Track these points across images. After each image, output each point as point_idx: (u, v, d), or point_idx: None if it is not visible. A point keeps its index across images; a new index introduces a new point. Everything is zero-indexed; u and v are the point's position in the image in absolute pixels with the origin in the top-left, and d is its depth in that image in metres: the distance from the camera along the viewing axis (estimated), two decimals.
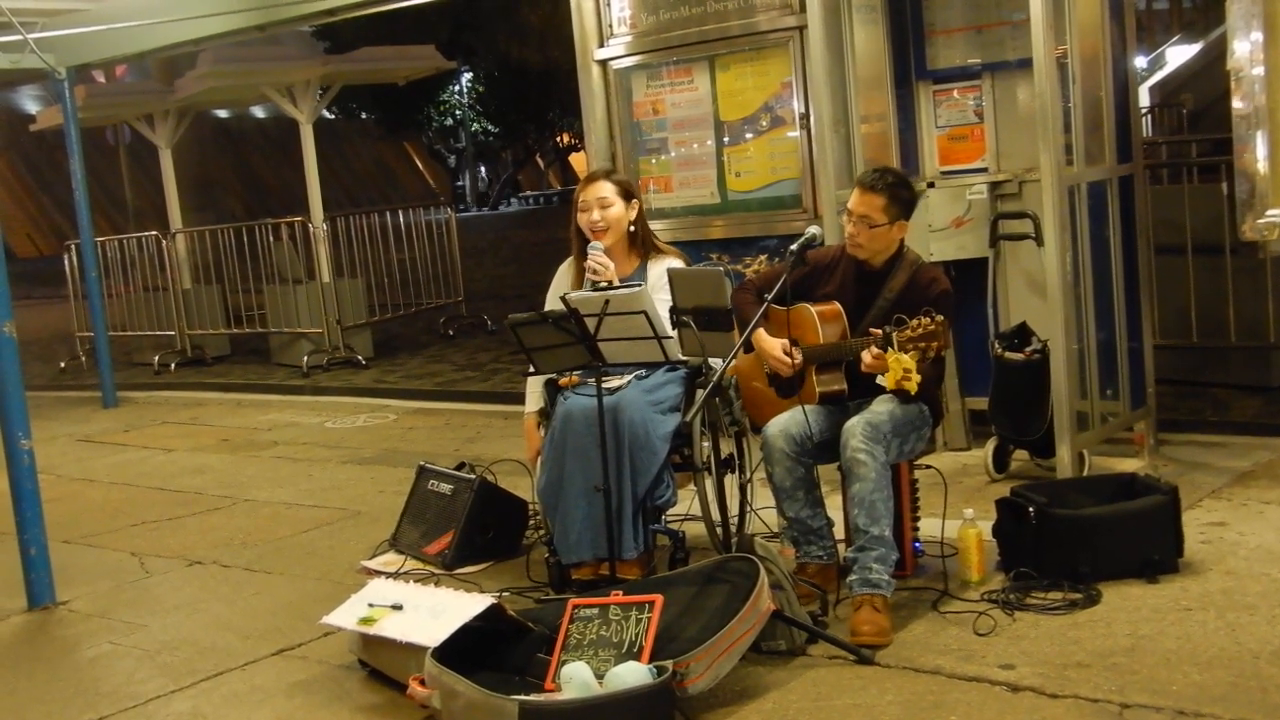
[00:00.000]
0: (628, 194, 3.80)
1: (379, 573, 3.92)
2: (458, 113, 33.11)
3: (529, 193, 37.18)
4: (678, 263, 3.78)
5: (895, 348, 3.09)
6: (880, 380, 3.11)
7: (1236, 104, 3.58)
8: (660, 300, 3.48)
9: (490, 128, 32.77)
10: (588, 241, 3.75)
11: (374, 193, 33.15)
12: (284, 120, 9.49)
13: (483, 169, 35.05)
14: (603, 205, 3.75)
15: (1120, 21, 4.56)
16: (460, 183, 35.39)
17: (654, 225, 5.50)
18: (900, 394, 3.17)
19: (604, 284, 3.64)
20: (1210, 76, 10.96)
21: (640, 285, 3.30)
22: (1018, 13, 4.58)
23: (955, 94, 4.91)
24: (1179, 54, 14.09)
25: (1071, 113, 4.27)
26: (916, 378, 3.02)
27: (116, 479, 6.02)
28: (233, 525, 4.93)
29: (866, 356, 3.21)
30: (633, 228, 3.79)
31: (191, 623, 3.77)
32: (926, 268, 3.50)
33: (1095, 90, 4.41)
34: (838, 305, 3.49)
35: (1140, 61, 12.93)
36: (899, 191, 3.44)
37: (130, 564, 4.48)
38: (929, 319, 3.08)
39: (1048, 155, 4.11)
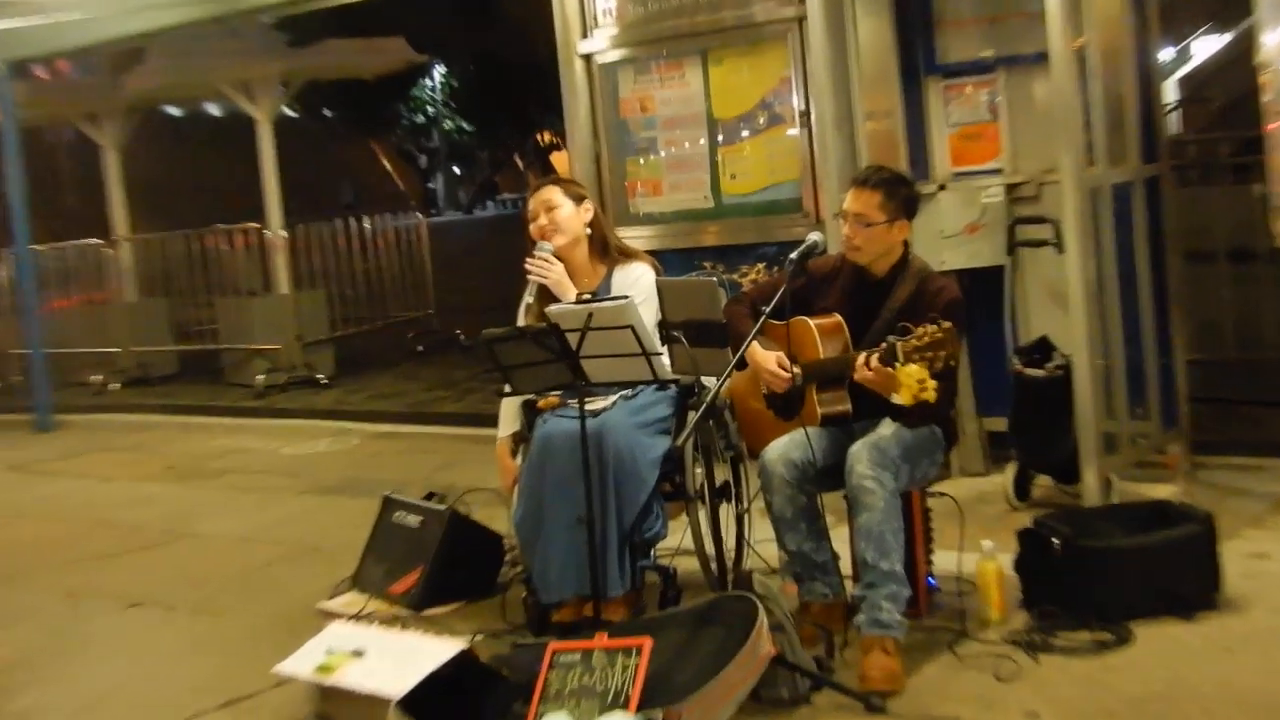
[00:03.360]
0: (577, 197, 3.83)
1: (339, 615, 3.88)
2: (429, 110, 33.16)
3: (507, 196, 37.21)
4: (647, 268, 3.80)
5: (901, 360, 3.07)
6: (895, 399, 3.08)
7: (1267, 100, 3.58)
8: (639, 307, 3.46)
9: (465, 126, 32.81)
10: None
11: (338, 197, 33.06)
12: (242, 119, 9.47)
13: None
14: (549, 208, 3.78)
15: (1143, 11, 4.57)
16: (432, 185, 35.43)
17: (642, 232, 5.53)
18: (918, 410, 3.15)
19: (586, 295, 3.62)
20: (1241, 69, 11.02)
21: (628, 298, 3.27)
22: (1033, 3, 4.58)
23: (968, 89, 4.91)
24: (1207, 45, 14.19)
25: (1092, 109, 4.26)
26: (933, 384, 2.99)
27: (50, 512, 5.95)
28: (178, 563, 4.87)
29: (861, 367, 3.17)
30: (589, 230, 3.81)
31: (130, 672, 3.71)
32: (934, 276, 3.49)
33: (1117, 85, 4.41)
34: (838, 318, 3.48)
35: (1165, 54, 13.01)
36: (896, 188, 3.44)
37: (63, 607, 4.42)
38: (935, 326, 3.06)
39: (1067, 155, 4.10)
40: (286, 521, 5.37)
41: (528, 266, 3.72)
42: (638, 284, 3.71)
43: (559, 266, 3.72)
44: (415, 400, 8.08)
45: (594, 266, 3.83)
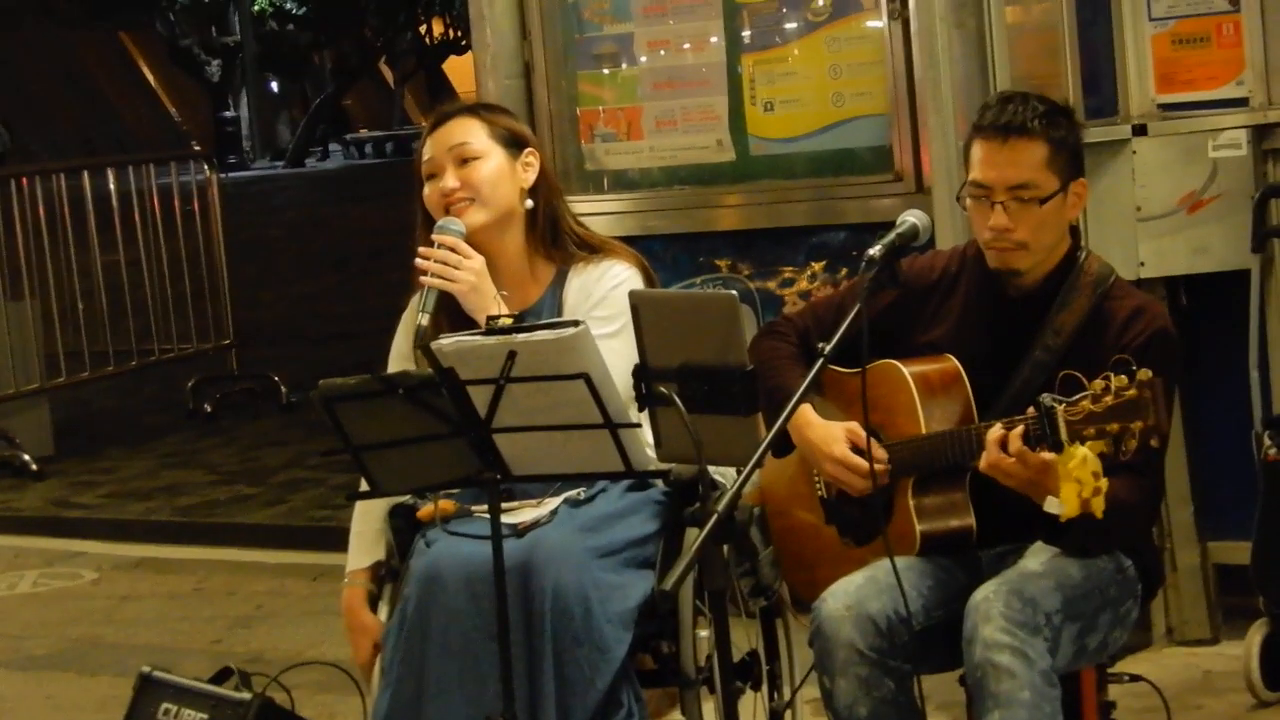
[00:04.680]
0: (513, 139, 3.86)
1: None
2: None
3: (366, 134, 37.25)
4: (629, 271, 3.83)
5: (1065, 436, 3.12)
6: (1050, 507, 3.13)
7: None
8: (606, 340, 3.51)
9: (291, 7, 32.88)
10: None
11: (66, 134, 33.08)
12: None
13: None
14: (460, 158, 3.80)
15: None
16: (230, 113, 35.44)
17: (606, 204, 5.55)
18: (1081, 529, 3.19)
19: (506, 317, 3.64)
20: None
21: (580, 324, 3.31)
22: None
23: None
24: None
25: None
26: (1105, 486, 3.04)
27: None
28: None
29: (992, 444, 3.22)
30: (530, 203, 3.85)
31: None
32: (1123, 289, 3.55)
33: None
34: (955, 362, 3.53)
35: None
36: (1059, 127, 3.51)
37: None
38: (1126, 378, 3.11)
39: None
40: None
41: (421, 262, 3.73)
42: (610, 299, 3.74)
43: (477, 262, 3.72)
44: (197, 502, 8.07)
45: (534, 266, 3.87)
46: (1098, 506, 3.04)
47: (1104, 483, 3.03)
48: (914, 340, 3.60)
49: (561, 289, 3.83)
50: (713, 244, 5.45)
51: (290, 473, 8.42)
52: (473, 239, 3.76)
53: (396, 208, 3.93)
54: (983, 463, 3.26)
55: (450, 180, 3.79)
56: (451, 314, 3.71)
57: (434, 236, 3.74)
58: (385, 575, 3.80)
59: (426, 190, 3.84)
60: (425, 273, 3.71)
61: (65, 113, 34.73)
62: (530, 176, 3.85)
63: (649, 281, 3.85)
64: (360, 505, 3.84)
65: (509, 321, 3.43)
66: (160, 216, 10.27)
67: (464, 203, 3.78)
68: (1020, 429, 3.21)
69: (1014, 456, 3.20)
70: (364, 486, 3.52)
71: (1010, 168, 3.48)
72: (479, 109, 3.94)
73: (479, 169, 3.80)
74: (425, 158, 3.85)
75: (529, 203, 3.85)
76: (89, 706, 5.26)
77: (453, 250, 3.71)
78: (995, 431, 3.24)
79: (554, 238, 3.87)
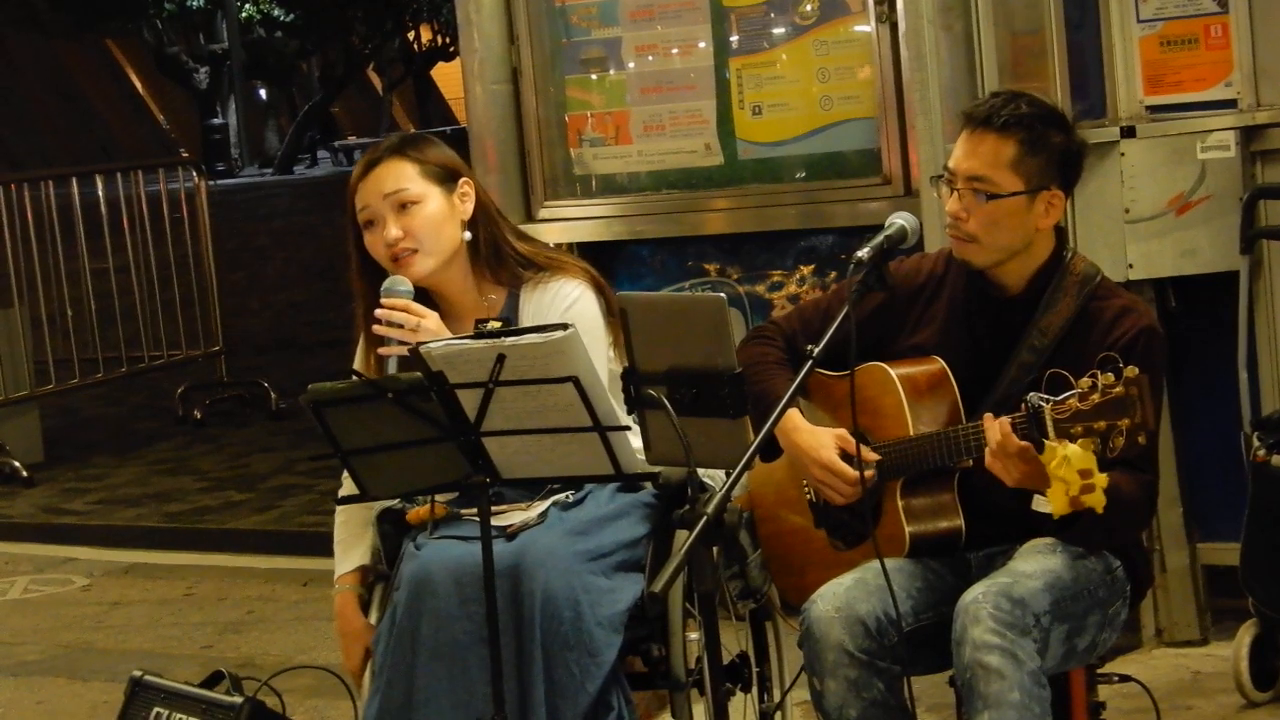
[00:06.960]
0: (445, 172, 3.82)
1: None
2: None
3: (355, 140, 37.23)
4: (580, 288, 3.82)
5: (1051, 434, 3.12)
6: (1039, 505, 3.14)
7: None
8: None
9: (277, 14, 32.86)
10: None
11: (54, 143, 33.05)
12: None
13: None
14: (399, 204, 3.76)
15: None
16: (218, 120, 35.40)
17: (595, 208, 5.53)
18: (1085, 523, 3.19)
19: (494, 322, 3.63)
20: None
21: (569, 327, 3.30)
22: None
23: None
24: None
25: None
26: (1103, 481, 3.04)
27: None
28: None
29: (993, 437, 3.22)
30: (469, 235, 3.82)
31: None
32: (1110, 290, 3.56)
33: None
34: (941, 364, 3.54)
35: None
36: (1044, 132, 3.51)
37: None
38: (1112, 375, 3.11)
39: None
40: None
41: (379, 329, 3.67)
42: (568, 318, 3.67)
43: (432, 321, 3.68)
44: (188, 508, 8.08)
45: (484, 292, 3.86)
46: (1096, 502, 3.03)
47: (1100, 479, 3.02)
48: (901, 343, 3.60)
49: (515, 312, 3.81)
50: (701, 248, 5.45)
51: (280, 478, 8.43)
52: (422, 281, 3.76)
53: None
54: (989, 458, 3.25)
55: (393, 230, 3.74)
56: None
57: (383, 301, 3.70)
58: (375, 579, 3.80)
59: (367, 239, 3.79)
60: (381, 338, 3.67)
61: (53, 122, 34.69)
62: (468, 208, 3.82)
63: (601, 294, 3.84)
64: (341, 512, 3.85)
65: (497, 325, 3.44)
66: (149, 224, 10.24)
67: (408, 252, 3.76)
68: (998, 428, 3.22)
69: (1016, 451, 3.19)
70: (344, 490, 3.53)
71: (972, 158, 3.50)
72: (406, 149, 3.85)
73: (419, 214, 3.76)
74: (359, 206, 3.79)
75: (468, 234, 3.82)
76: (81, 712, 5.26)
77: (405, 312, 3.68)
78: (993, 429, 3.23)
79: (498, 261, 3.85)
